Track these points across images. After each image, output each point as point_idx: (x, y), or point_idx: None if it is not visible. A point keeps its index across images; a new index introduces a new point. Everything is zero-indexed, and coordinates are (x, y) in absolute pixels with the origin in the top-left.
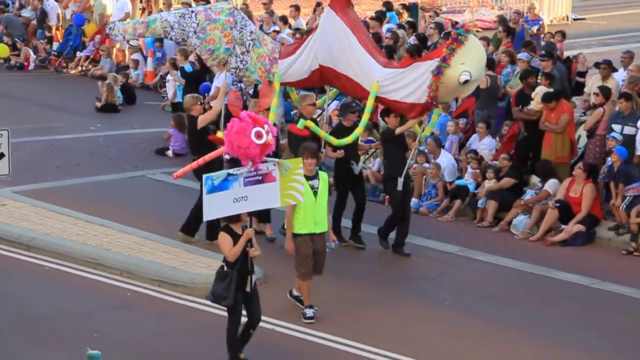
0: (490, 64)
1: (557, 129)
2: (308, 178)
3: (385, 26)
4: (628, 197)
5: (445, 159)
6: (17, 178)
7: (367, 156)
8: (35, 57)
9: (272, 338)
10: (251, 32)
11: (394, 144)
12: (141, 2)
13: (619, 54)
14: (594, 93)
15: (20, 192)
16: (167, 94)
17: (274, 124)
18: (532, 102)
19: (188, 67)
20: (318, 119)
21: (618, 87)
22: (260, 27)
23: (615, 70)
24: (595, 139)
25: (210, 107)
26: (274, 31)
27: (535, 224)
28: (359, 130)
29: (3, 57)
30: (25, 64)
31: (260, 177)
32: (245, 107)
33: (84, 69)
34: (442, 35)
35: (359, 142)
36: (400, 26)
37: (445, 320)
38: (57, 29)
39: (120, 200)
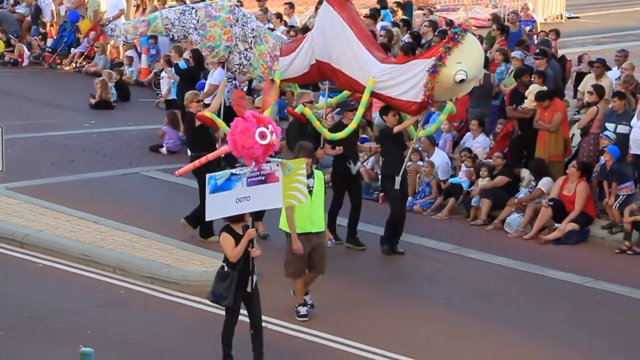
0: (484, 62)
1: (551, 127)
2: None
3: (380, 24)
4: (621, 196)
5: (439, 157)
6: (10, 174)
7: (366, 157)
8: (29, 53)
9: (267, 337)
10: (252, 30)
11: (392, 143)
12: None
13: (613, 52)
14: (588, 92)
15: (13, 189)
16: (161, 90)
17: None
18: (525, 100)
19: (182, 64)
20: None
21: (612, 85)
22: None
23: (609, 68)
24: (589, 138)
25: (204, 104)
26: (268, 29)
27: (528, 222)
28: (352, 125)
29: None
30: (20, 60)
31: (263, 177)
32: None
33: (78, 65)
34: (436, 33)
35: (359, 142)
36: (394, 24)
37: (440, 319)
38: (51, 25)
39: (114, 197)
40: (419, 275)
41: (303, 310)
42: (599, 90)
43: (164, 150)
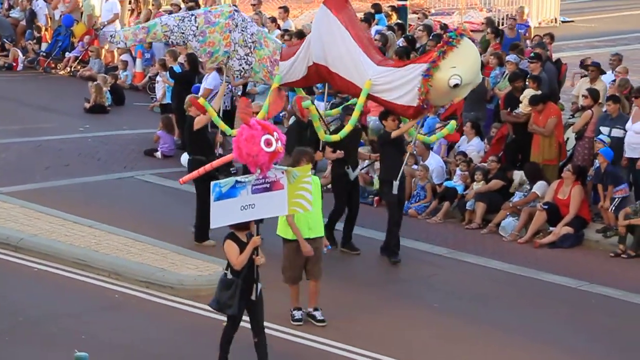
0: None
1: (545, 131)
2: None
3: (374, 28)
4: (616, 199)
5: (434, 161)
6: (5, 179)
7: (365, 164)
8: (23, 57)
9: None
10: (252, 34)
11: (390, 147)
12: (130, 3)
13: (607, 56)
14: (583, 95)
15: (8, 193)
16: (156, 95)
17: None
18: (520, 105)
19: (177, 68)
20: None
21: (606, 89)
22: None
23: (604, 72)
24: (584, 141)
25: None
26: None
27: (523, 226)
28: (347, 128)
29: None
30: (14, 64)
31: (268, 185)
32: (234, 107)
33: (72, 69)
34: (430, 37)
35: (359, 149)
36: (389, 28)
37: (436, 323)
38: (46, 29)
39: (108, 201)
40: (414, 279)
41: (298, 314)
42: (593, 94)
43: (158, 154)
